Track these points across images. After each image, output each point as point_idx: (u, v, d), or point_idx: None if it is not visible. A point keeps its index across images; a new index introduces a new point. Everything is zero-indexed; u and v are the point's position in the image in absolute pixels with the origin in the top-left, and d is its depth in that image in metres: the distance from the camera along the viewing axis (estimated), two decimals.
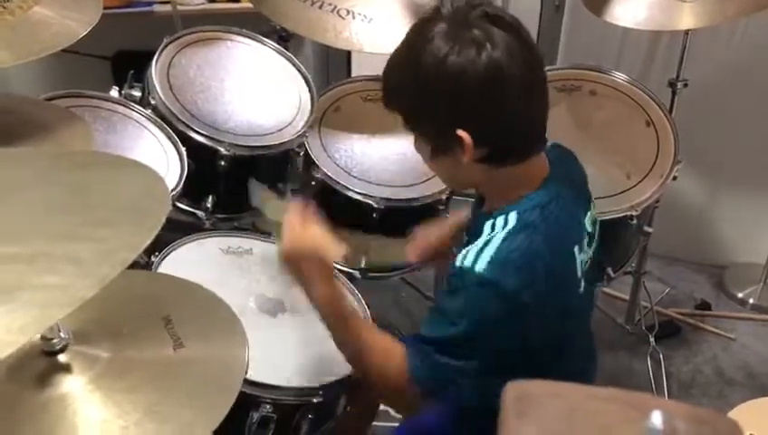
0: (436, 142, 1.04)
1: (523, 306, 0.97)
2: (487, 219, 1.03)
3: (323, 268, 1.09)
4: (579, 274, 1.05)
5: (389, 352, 1.05)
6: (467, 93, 0.96)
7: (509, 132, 1.00)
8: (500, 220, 1.01)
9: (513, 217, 1.01)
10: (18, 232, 0.51)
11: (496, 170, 1.03)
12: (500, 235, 0.99)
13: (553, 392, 0.46)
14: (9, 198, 0.56)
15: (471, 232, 1.08)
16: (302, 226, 1.09)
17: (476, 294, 0.98)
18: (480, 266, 0.96)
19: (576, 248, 1.04)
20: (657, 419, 0.45)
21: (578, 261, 1.04)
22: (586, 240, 1.08)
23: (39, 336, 0.78)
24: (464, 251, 1.01)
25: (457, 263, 1.00)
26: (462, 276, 0.99)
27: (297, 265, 1.09)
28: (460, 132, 0.97)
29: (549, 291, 0.98)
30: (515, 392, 0.45)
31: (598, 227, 1.15)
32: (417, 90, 1.00)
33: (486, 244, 0.99)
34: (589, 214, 1.11)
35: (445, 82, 0.96)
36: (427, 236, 1.35)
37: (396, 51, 1.03)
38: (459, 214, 1.34)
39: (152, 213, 0.55)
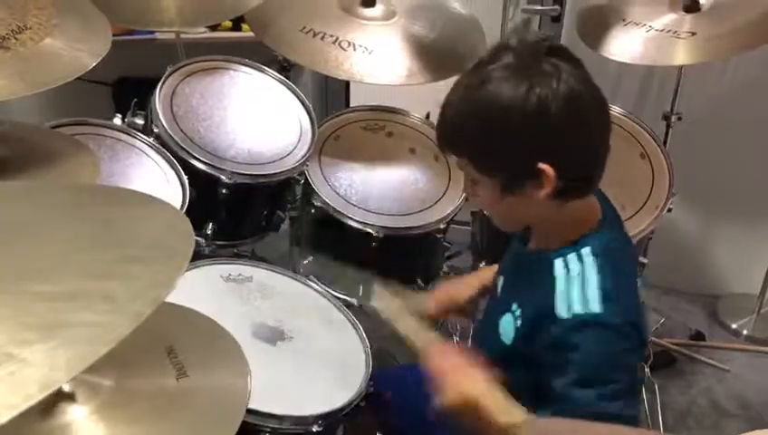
0: (510, 180, 0.99)
1: (637, 332, 0.97)
2: (551, 258, 1.00)
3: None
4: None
5: None
6: (551, 124, 0.94)
7: (587, 163, 1.00)
8: (572, 256, 0.99)
9: (586, 253, 0.99)
10: (53, 269, 0.52)
11: (563, 206, 1.00)
12: (590, 269, 0.97)
13: (572, 429, 0.47)
14: (40, 234, 0.57)
15: (512, 272, 1.06)
16: (466, 372, 0.99)
17: (601, 337, 0.94)
18: (595, 308, 0.94)
19: (639, 281, 1.07)
20: None
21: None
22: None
23: None
24: (561, 298, 0.96)
25: (563, 313, 0.95)
26: (578, 324, 0.94)
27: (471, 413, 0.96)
28: (542, 166, 0.95)
29: (639, 322, 0.99)
30: (535, 429, 0.46)
31: None
32: (493, 128, 0.97)
33: (583, 282, 0.96)
34: None
35: (528, 116, 0.93)
36: (448, 291, 1.31)
37: (459, 94, 1.00)
38: (485, 273, 1.28)
39: (178, 250, 0.56)
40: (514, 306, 1.04)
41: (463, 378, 0.97)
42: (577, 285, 0.96)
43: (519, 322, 1.02)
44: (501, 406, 0.92)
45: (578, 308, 0.94)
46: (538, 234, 1.09)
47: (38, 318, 0.48)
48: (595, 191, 1.05)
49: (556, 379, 0.94)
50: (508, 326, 1.04)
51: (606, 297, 0.95)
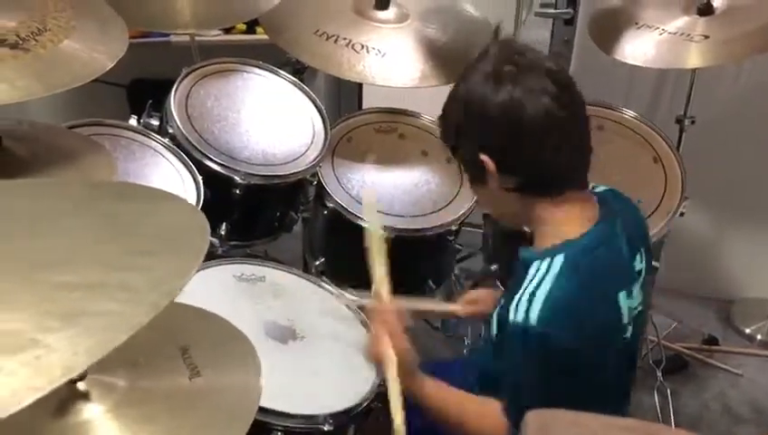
0: (469, 170, 1.10)
1: (575, 353, 0.99)
2: (532, 262, 1.04)
3: (407, 372, 1.16)
4: (625, 319, 1.06)
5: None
6: (486, 122, 1.03)
7: (533, 165, 1.04)
8: (544, 264, 1.02)
9: (558, 261, 1.02)
10: (74, 261, 0.54)
11: (532, 202, 1.07)
12: (546, 283, 1.00)
13: (573, 421, 0.47)
14: (56, 227, 0.59)
15: (515, 275, 1.09)
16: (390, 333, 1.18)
17: (533, 348, 1.00)
18: (532, 320, 0.98)
19: (622, 295, 1.05)
20: None
21: (624, 307, 1.05)
22: (638, 286, 1.09)
23: None
24: (514, 302, 1.01)
25: (510, 317, 1.01)
26: (516, 331, 1.00)
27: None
28: (483, 157, 1.04)
29: (594, 337, 1.01)
30: (537, 421, 0.46)
31: (642, 279, 1.14)
32: (453, 118, 1.09)
33: (534, 293, 1.00)
34: (634, 263, 1.11)
35: (469, 111, 1.04)
36: (480, 294, 1.40)
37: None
38: None
39: (193, 242, 0.58)
40: (502, 301, 1.10)
41: (381, 344, 1.16)
42: (526, 295, 1.00)
43: (498, 317, 1.09)
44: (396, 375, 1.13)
45: (519, 317, 1.00)
46: (535, 235, 1.13)
47: (61, 306, 0.50)
48: (596, 193, 1.10)
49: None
50: (494, 320, 1.10)
51: (548, 308, 0.98)
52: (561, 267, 1.01)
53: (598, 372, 1.04)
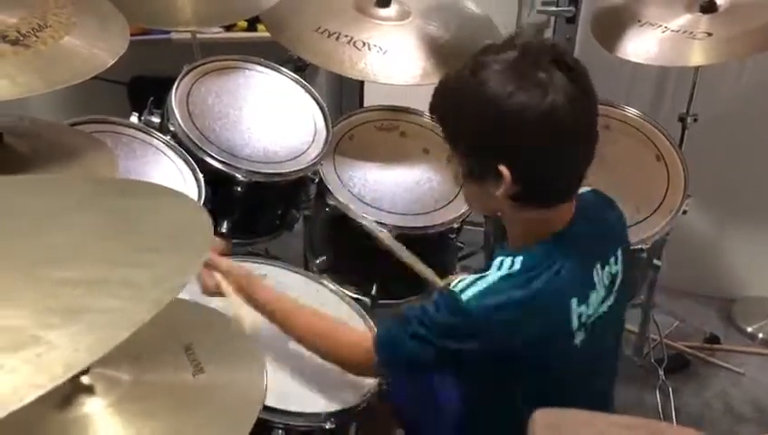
0: (472, 169, 1.05)
1: (492, 342, 1.00)
2: (499, 256, 1.05)
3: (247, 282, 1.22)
4: (573, 326, 1.05)
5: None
6: (522, 133, 0.96)
7: (549, 176, 1.02)
8: (507, 261, 1.03)
9: (518, 261, 1.02)
10: (75, 257, 0.54)
11: (521, 210, 1.04)
12: (499, 274, 1.01)
13: (582, 421, 0.47)
14: (58, 223, 0.59)
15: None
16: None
17: (453, 318, 1.01)
18: (467, 295, 0.99)
19: (574, 301, 1.04)
20: None
21: (574, 314, 1.04)
22: (598, 294, 1.08)
23: None
24: (463, 277, 1.02)
25: (452, 284, 1.02)
26: (448, 295, 1.01)
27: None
28: (502, 168, 0.98)
29: (531, 340, 1.00)
30: (545, 420, 0.46)
31: (618, 282, 1.13)
32: (468, 115, 1.01)
33: (483, 277, 1.01)
34: (606, 268, 1.10)
35: (502, 118, 0.96)
36: None
37: (458, 69, 1.02)
38: None
39: (197, 240, 0.57)
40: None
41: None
42: (476, 275, 1.01)
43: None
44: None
45: (457, 286, 1.01)
46: (507, 229, 1.11)
47: (62, 303, 0.50)
48: (563, 203, 1.07)
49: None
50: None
51: (479, 296, 0.99)
52: (517, 268, 1.01)
53: (537, 371, 1.04)
